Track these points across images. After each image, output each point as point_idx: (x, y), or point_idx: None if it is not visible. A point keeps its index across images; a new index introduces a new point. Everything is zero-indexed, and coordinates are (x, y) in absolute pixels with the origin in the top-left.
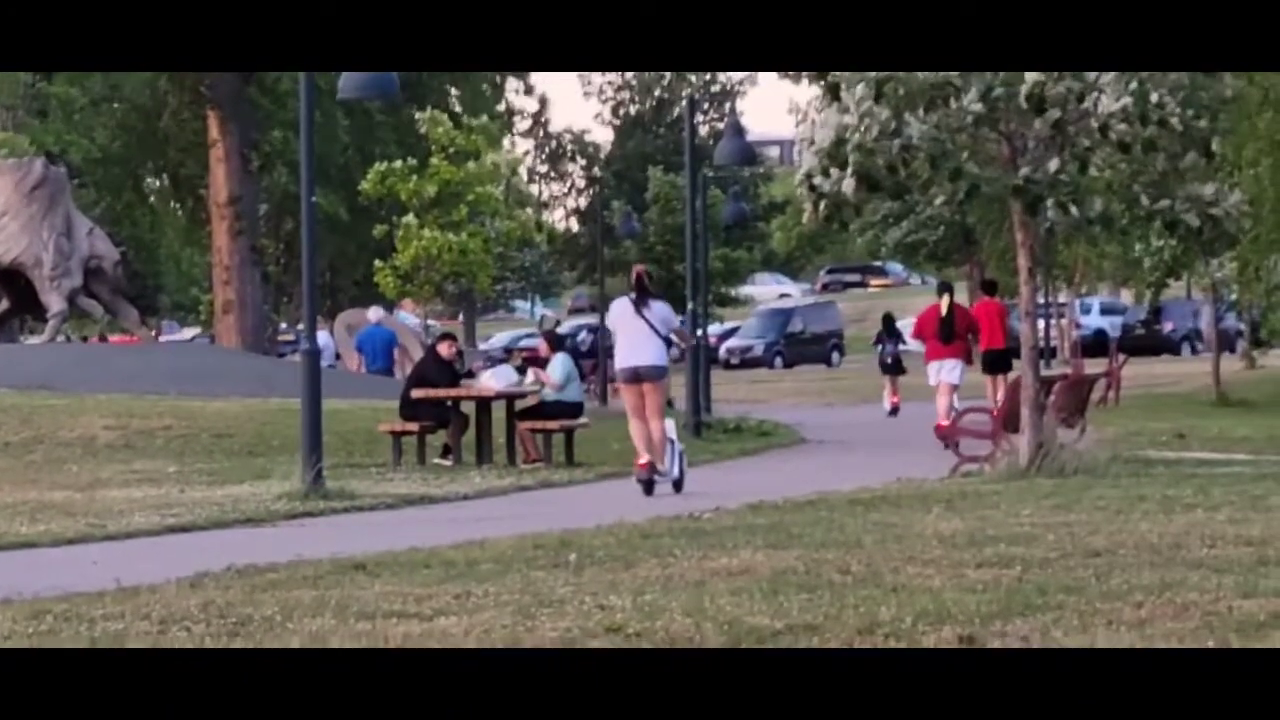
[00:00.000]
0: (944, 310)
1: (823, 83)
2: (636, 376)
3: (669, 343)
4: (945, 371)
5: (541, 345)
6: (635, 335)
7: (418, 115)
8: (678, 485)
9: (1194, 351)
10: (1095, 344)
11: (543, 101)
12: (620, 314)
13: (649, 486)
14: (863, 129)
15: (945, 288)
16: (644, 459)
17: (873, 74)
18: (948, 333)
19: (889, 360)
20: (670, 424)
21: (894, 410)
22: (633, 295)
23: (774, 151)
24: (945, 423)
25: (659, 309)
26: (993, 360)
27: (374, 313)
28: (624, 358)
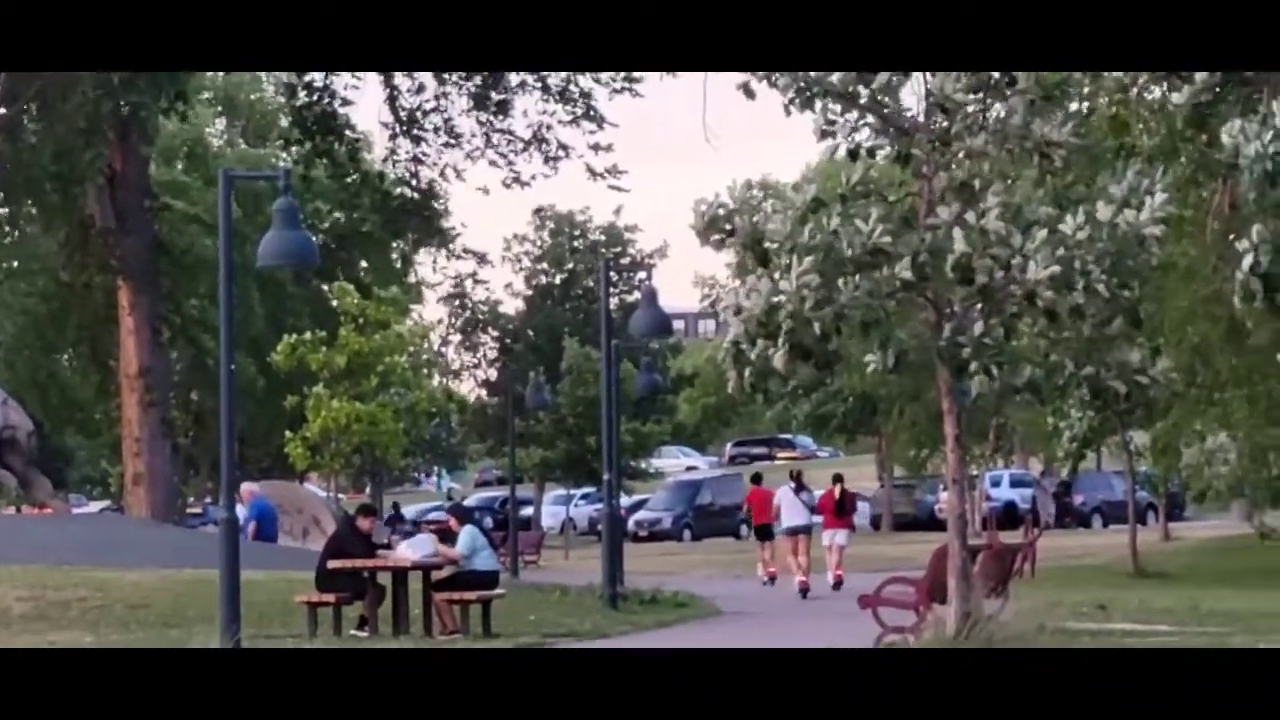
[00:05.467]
0: (837, 494)
1: (751, 252)
2: (796, 532)
3: (812, 511)
4: (838, 537)
5: (450, 519)
6: (795, 509)
7: (325, 288)
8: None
9: (1104, 524)
10: (1005, 517)
11: (481, 259)
12: (785, 495)
13: (805, 592)
14: (799, 297)
15: (838, 478)
16: (800, 578)
17: (803, 242)
18: (840, 509)
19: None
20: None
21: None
22: (793, 485)
23: (679, 324)
24: (869, 594)
25: (806, 495)
26: (761, 531)
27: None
28: (788, 520)
